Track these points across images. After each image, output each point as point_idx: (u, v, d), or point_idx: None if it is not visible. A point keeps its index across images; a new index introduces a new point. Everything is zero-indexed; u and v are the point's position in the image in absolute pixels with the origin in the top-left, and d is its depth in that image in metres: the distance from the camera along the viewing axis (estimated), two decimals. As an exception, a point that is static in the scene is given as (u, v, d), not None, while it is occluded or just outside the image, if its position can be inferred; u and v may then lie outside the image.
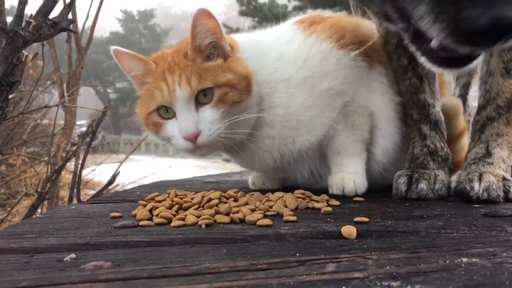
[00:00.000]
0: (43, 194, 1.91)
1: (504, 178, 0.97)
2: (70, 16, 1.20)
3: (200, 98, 0.97)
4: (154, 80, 1.00)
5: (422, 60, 0.76)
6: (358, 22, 1.18)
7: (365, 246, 0.62)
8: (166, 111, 1.00)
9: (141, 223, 0.78)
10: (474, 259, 0.54)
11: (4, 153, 2.65)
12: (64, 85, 3.49)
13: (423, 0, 0.61)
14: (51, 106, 2.34)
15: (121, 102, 29.95)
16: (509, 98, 1.04)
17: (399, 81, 1.16)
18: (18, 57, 1.08)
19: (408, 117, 1.15)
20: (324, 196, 0.98)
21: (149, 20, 33.17)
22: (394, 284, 0.46)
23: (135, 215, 0.84)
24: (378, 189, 1.14)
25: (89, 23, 3.93)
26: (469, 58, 0.72)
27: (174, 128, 0.99)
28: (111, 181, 1.99)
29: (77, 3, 1.49)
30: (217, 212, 0.81)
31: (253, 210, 0.84)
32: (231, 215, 0.80)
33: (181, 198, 0.89)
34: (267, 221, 0.76)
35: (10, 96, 1.13)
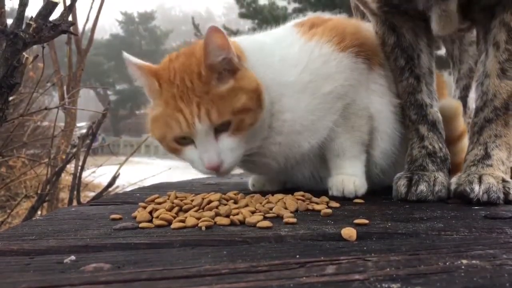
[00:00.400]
0: (43, 196, 1.91)
1: (503, 180, 0.97)
2: (70, 18, 1.20)
3: (218, 127, 0.96)
4: (166, 107, 0.97)
5: None
6: (358, 25, 1.18)
7: (365, 248, 0.62)
8: (183, 138, 0.99)
9: (141, 225, 0.78)
10: (474, 261, 0.54)
11: (4, 155, 2.65)
12: (64, 87, 3.50)
13: None
14: (51, 108, 2.34)
15: (121, 104, 30.01)
16: (506, 99, 1.04)
17: (396, 82, 1.17)
18: (18, 59, 1.08)
19: (406, 118, 1.16)
20: (324, 198, 0.98)
21: (149, 22, 33.21)
22: (394, 286, 0.46)
23: (135, 217, 0.84)
24: (378, 191, 1.14)
25: (89, 25, 3.95)
26: None
27: (193, 155, 0.99)
28: (111, 183, 1.99)
29: (77, 5, 1.49)
30: (217, 214, 0.81)
31: (253, 212, 0.84)
32: (231, 217, 0.80)
33: (181, 200, 0.89)
34: (267, 223, 0.76)
35: (10, 98, 1.13)
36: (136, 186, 1.89)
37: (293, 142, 1.05)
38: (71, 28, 1.18)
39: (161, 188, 1.35)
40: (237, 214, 0.81)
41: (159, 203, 0.90)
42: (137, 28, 33.06)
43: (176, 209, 0.85)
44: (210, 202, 0.86)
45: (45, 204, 2.32)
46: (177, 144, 1.00)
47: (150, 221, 0.81)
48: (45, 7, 1.11)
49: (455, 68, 1.70)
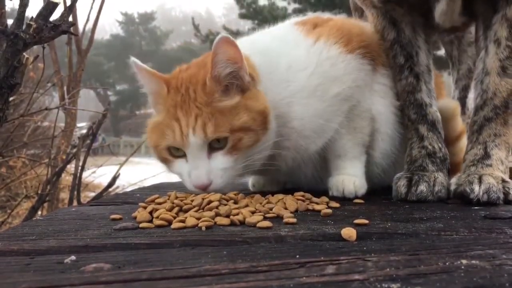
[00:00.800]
0: (43, 196, 1.91)
1: (503, 180, 0.98)
2: (70, 18, 1.20)
3: (213, 143, 0.93)
4: (166, 115, 0.95)
5: None
6: (362, 25, 1.18)
7: (365, 248, 0.62)
8: (176, 149, 0.96)
9: (141, 225, 0.78)
10: (473, 261, 0.54)
11: (4, 155, 2.65)
12: (65, 88, 3.50)
13: None
14: (51, 109, 2.35)
15: (121, 104, 30.01)
16: (505, 97, 1.04)
17: (395, 80, 1.16)
18: (18, 59, 1.09)
19: (405, 117, 1.15)
20: (324, 198, 0.98)
21: (150, 22, 33.23)
22: (394, 286, 0.46)
23: (135, 217, 0.84)
24: (378, 191, 1.14)
25: (89, 25, 3.95)
26: None
27: (183, 169, 0.96)
28: (111, 183, 1.99)
29: (77, 5, 1.49)
30: (217, 214, 0.81)
31: (253, 212, 0.84)
32: (231, 217, 0.80)
33: (181, 200, 0.89)
34: (267, 223, 0.76)
35: (11, 99, 1.14)
36: (136, 186, 1.89)
37: (300, 146, 1.04)
38: (72, 28, 1.18)
39: (161, 188, 1.35)
40: (237, 214, 0.82)
41: (159, 203, 0.90)
42: (137, 29, 33.08)
43: (176, 209, 0.85)
44: (210, 202, 0.86)
45: (45, 204, 2.32)
46: (169, 155, 0.97)
47: (150, 221, 0.81)
48: (46, 7, 1.11)
49: (454, 69, 1.70)
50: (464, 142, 1.21)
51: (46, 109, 2.39)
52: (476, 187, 0.95)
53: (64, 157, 2.66)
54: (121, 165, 2.15)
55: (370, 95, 1.10)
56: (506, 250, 0.59)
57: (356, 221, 0.77)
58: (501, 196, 0.95)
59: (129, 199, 1.16)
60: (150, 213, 0.85)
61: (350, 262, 0.55)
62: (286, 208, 0.88)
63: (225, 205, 0.86)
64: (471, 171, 1.01)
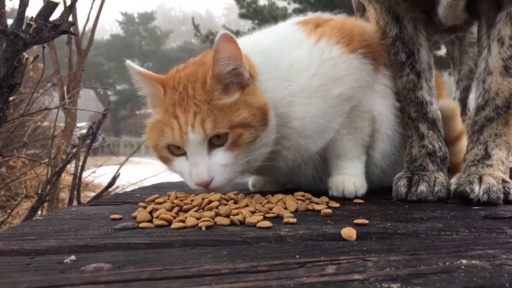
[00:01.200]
0: (43, 196, 1.91)
1: (503, 180, 0.97)
2: (70, 18, 1.20)
3: (213, 140, 0.92)
4: (164, 114, 0.95)
5: None
6: (363, 25, 1.18)
7: (365, 248, 0.62)
8: (176, 148, 0.95)
9: (141, 225, 0.78)
10: (474, 261, 0.54)
11: (4, 155, 2.65)
12: (65, 87, 3.50)
13: None
14: (51, 108, 2.35)
15: (121, 104, 29.98)
16: (507, 97, 1.03)
17: (396, 77, 1.16)
18: (18, 59, 1.09)
19: (405, 115, 1.15)
20: (324, 198, 0.98)
21: (150, 22, 33.21)
22: (394, 286, 0.46)
23: (135, 217, 0.84)
24: (378, 191, 1.14)
25: (89, 25, 3.95)
26: None
27: (183, 167, 0.96)
28: (111, 183, 1.99)
29: (77, 5, 1.49)
30: (217, 214, 0.81)
31: (253, 212, 0.84)
32: (231, 217, 0.80)
33: (181, 200, 0.89)
34: (267, 223, 0.76)
35: (11, 98, 1.14)
36: (136, 186, 1.89)
37: (301, 146, 1.04)
38: (71, 28, 1.18)
39: (161, 188, 1.35)
40: (237, 214, 0.82)
41: (159, 203, 0.90)
42: (137, 29, 33.07)
43: (176, 209, 0.85)
44: (210, 202, 0.86)
45: (45, 204, 2.32)
46: (169, 154, 0.97)
47: (150, 221, 0.81)
48: (46, 7, 1.11)
49: (456, 69, 1.70)
50: (464, 142, 1.21)
51: (46, 109, 2.39)
52: (476, 187, 0.95)
53: (64, 157, 2.66)
54: (121, 165, 2.15)
55: (371, 96, 1.10)
56: (506, 250, 0.59)
57: (356, 221, 0.77)
58: (501, 196, 0.95)
59: (129, 199, 1.16)
60: (150, 213, 0.85)
61: (350, 262, 0.55)
62: (286, 208, 0.88)
63: (225, 205, 0.86)
64: (472, 171, 1.01)
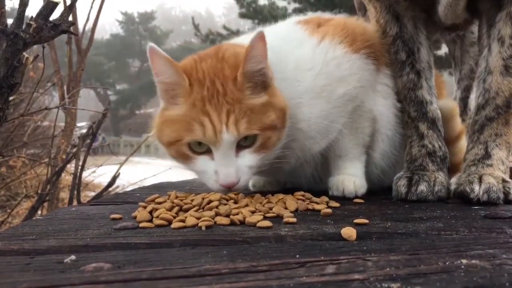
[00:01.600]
0: (43, 196, 1.91)
1: (504, 180, 0.97)
2: (70, 18, 1.20)
3: (240, 141, 0.90)
4: (190, 108, 0.90)
5: None
6: (364, 25, 1.17)
7: (365, 247, 0.62)
8: (198, 145, 0.91)
9: (141, 224, 0.78)
10: (474, 261, 0.54)
11: (4, 155, 2.65)
12: (65, 87, 3.50)
13: None
14: (51, 108, 2.35)
15: (121, 104, 29.99)
16: (508, 97, 1.03)
17: (396, 77, 1.16)
18: (18, 59, 1.09)
19: (405, 114, 1.15)
20: (324, 198, 0.98)
21: (150, 22, 33.18)
22: (394, 285, 0.46)
23: (135, 217, 0.84)
24: (378, 191, 1.14)
25: (89, 25, 3.95)
26: None
27: (207, 166, 0.92)
28: (111, 183, 1.99)
29: (77, 5, 1.49)
30: (217, 214, 0.81)
31: (253, 212, 0.84)
32: (231, 216, 0.80)
33: (181, 200, 0.89)
34: (267, 223, 0.76)
35: (11, 98, 1.14)
36: (136, 186, 1.89)
37: (305, 146, 1.04)
38: (71, 28, 1.18)
39: (161, 188, 1.35)
40: (237, 214, 0.82)
41: (159, 203, 0.90)
42: (137, 28, 33.04)
43: (176, 209, 0.85)
44: (210, 202, 0.86)
45: (45, 204, 2.32)
46: (190, 151, 0.92)
47: (150, 221, 0.81)
48: (45, 7, 1.11)
49: (457, 69, 1.70)
50: (463, 142, 1.21)
51: (46, 108, 2.39)
52: (476, 187, 0.95)
53: (64, 156, 2.66)
54: (121, 164, 2.14)
55: (373, 96, 1.10)
56: (506, 250, 0.59)
57: (356, 220, 0.77)
58: (501, 196, 0.95)
59: (129, 198, 1.16)
60: (150, 212, 0.85)
61: (350, 261, 0.55)
62: (286, 208, 0.88)
63: (225, 204, 0.86)
64: (472, 171, 1.01)
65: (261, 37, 0.88)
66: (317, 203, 0.94)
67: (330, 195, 1.04)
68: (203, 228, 0.75)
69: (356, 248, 0.62)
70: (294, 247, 0.64)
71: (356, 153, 1.10)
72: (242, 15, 9.45)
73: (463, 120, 1.41)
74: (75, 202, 1.83)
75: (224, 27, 9.94)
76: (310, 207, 0.91)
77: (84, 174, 2.36)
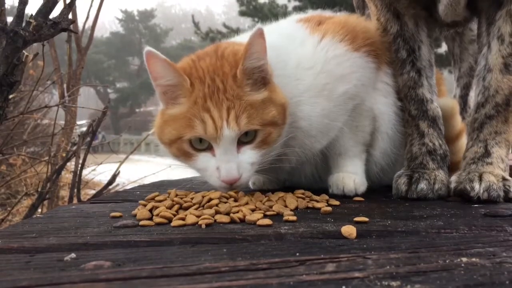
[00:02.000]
0: (43, 194, 1.91)
1: (504, 178, 0.97)
2: (70, 16, 1.20)
3: (241, 137, 0.90)
4: (192, 106, 0.90)
5: None
6: (365, 23, 1.17)
7: (365, 245, 0.62)
8: (199, 142, 0.92)
9: (141, 222, 0.78)
10: (474, 259, 0.54)
11: (4, 153, 2.65)
12: (64, 85, 3.49)
13: None
14: (51, 106, 2.34)
15: (121, 102, 29.98)
16: (507, 95, 1.03)
17: (397, 75, 1.15)
18: (18, 57, 1.08)
19: (405, 113, 1.15)
20: (324, 196, 0.98)
21: (149, 20, 33.14)
22: (394, 283, 0.46)
23: (135, 215, 0.84)
24: (378, 189, 1.14)
25: (89, 23, 3.94)
26: None
27: (208, 163, 0.92)
28: (111, 181, 1.98)
29: (77, 3, 1.49)
30: (217, 212, 0.81)
31: (253, 210, 0.84)
32: (231, 215, 0.80)
33: (181, 198, 0.90)
34: (267, 221, 0.76)
35: (11, 96, 1.13)
36: (136, 184, 1.89)
37: (305, 145, 1.04)
38: (71, 26, 1.18)
39: (161, 186, 1.35)
40: (237, 212, 0.82)
41: (159, 201, 0.90)
42: (137, 26, 33.00)
43: (176, 207, 0.85)
44: (210, 200, 0.86)
45: (45, 202, 2.32)
46: (191, 148, 0.93)
47: (150, 219, 0.81)
48: (45, 5, 1.11)
49: (456, 67, 1.70)
50: (463, 141, 1.21)
51: (46, 106, 2.39)
52: (476, 185, 0.96)
53: (64, 154, 2.66)
54: (121, 162, 2.14)
55: (373, 94, 1.10)
56: (506, 248, 0.59)
57: (356, 219, 0.77)
58: (502, 194, 0.95)
59: (129, 196, 1.16)
60: (150, 210, 0.85)
61: (350, 260, 0.55)
62: (286, 206, 0.89)
63: (225, 202, 0.86)
64: (472, 169, 1.01)
65: (260, 34, 0.88)
66: (317, 201, 0.94)
67: (330, 193, 1.04)
68: (203, 226, 0.75)
69: (356, 246, 0.62)
70: (294, 245, 0.64)
71: (356, 151, 1.10)
72: (242, 13, 9.43)
73: (463, 118, 1.41)
74: (75, 200, 1.83)
75: (224, 25, 9.93)
76: (310, 205, 0.92)
77: (84, 172, 2.36)
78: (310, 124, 1.01)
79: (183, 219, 0.78)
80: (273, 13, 8.16)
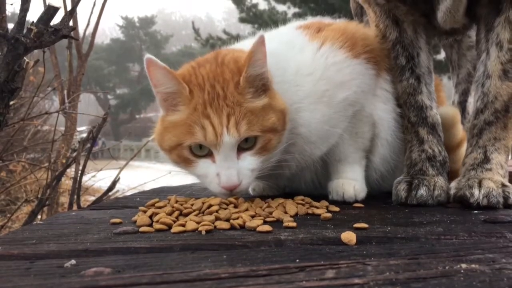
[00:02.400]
0: (43, 200, 1.91)
1: (503, 185, 0.98)
2: (71, 23, 1.20)
3: (241, 144, 0.91)
4: (192, 112, 0.90)
5: None
6: (364, 30, 1.18)
7: (364, 252, 0.62)
8: (199, 149, 0.92)
9: (141, 229, 0.79)
10: (473, 265, 0.54)
11: (4, 159, 2.65)
12: (65, 92, 3.50)
13: None
14: (51, 113, 2.35)
15: (121, 108, 30.00)
16: (506, 101, 1.03)
17: (396, 81, 1.16)
18: (19, 63, 1.09)
19: (405, 119, 1.15)
20: (324, 202, 0.98)
21: (150, 26, 33.24)
22: (393, 290, 0.46)
23: (135, 221, 0.84)
24: (378, 196, 1.14)
25: (90, 29, 3.96)
26: None
27: (208, 169, 0.92)
28: (111, 187, 1.98)
29: (78, 10, 1.50)
30: (217, 218, 0.81)
31: (253, 216, 0.84)
32: (231, 221, 0.80)
33: (181, 204, 0.90)
34: (267, 227, 0.76)
35: (11, 103, 1.14)
36: (136, 191, 1.89)
37: (305, 151, 1.04)
38: (72, 32, 1.18)
39: (161, 192, 1.35)
40: (237, 218, 0.82)
41: (159, 207, 0.90)
42: (138, 33, 33.10)
43: (176, 213, 0.86)
44: (210, 206, 0.86)
45: (45, 209, 2.32)
46: (191, 155, 0.93)
47: (150, 225, 0.81)
48: (46, 12, 1.12)
49: (454, 73, 1.71)
50: (464, 149, 1.21)
51: (46, 113, 2.39)
52: (476, 191, 0.96)
53: (64, 161, 2.66)
54: (121, 169, 2.14)
55: (373, 100, 1.10)
56: (506, 254, 0.59)
57: (356, 225, 0.77)
58: (501, 200, 0.95)
59: (129, 203, 1.16)
60: (150, 217, 0.85)
61: (349, 266, 0.55)
62: (286, 212, 0.89)
63: (225, 209, 0.86)
64: (471, 175, 1.01)
65: (262, 42, 0.89)
66: (317, 207, 0.94)
67: (330, 200, 1.04)
68: (203, 232, 0.75)
69: (356, 252, 0.62)
70: (294, 251, 0.64)
71: (356, 157, 1.10)
72: (242, 20, 9.46)
73: (461, 124, 1.41)
74: (75, 207, 1.83)
75: (224, 32, 9.96)
76: (310, 211, 0.92)
77: (84, 178, 2.36)
78: (310, 130, 1.02)
79: (183, 225, 0.78)
80: (273, 20, 8.19)
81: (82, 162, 1.94)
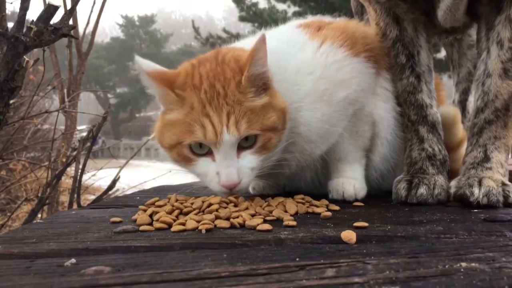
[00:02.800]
0: (43, 199, 1.91)
1: (503, 183, 0.98)
2: (71, 22, 1.20)
3: (241, 142, 0.91)
4: (189, 111, 0.90)
5: None
6: (364, 28, 1.18)
7: (364, 251, 0.62)
8: (199, 147, 0.92)
9: (141, 228, 0.79)
10: (473, 264, 0.54)
11: (4, 158, 2.65)
12: (65, 90, 3.50)
13: None
14: (51, 111, 2.34)
15: (121, 107, 30.00)
16: (506, 100, 1.03)
17: (396, 80, 1.16)
18: (19, 62, 1.09)
19: (404, 118, 1.15)
20: (324, 201, 0.98)
21: (150, 25, 33.21)
22: (393, 288, 0.46)
23: (135, 220, 0.84)
24: (378, 194, 1.14)
25: (90, 28, 3.95)
26: None
27: (208, 168, 0.92)
28: (111, 186, 1.98)
29: (78, 8, 1.49)
30: (217, 217, 0.81)
31: (253, 215, 0.84)
32: (231, 220, 0.80)
33: (182, 203, 0.90)
34: (267, 226, 0.76)
35: (11, 101, 1.14)
36: (136, 189, 1.89)
37: (305, 150, 1.04)
38: (72, 31, 1.18)
39: (161, 191, 1.35)
40: (237, 217, 0.82)
41: (160, 206, 0.90)
42: (138, 32, 33.07)
43: (176, 212, 0.86)
44: (210, 205, 0.86)
45: (45, 207, 2.32)
46: (191, 153, 0.93)
47: (150, 224, 0.81)
48: (46, 10, 1.11)
49: (455, 72, 1.71)
50: (465, 148, 1.21)
51: (46, 112, 2.39)
52: (476, 190, 0.96)
53: (64, 160, 2.66)
54: (121, 168, 2.14)
55: (372, 99, 1.10)
56: (506, 253, 0.60)
57: (356, 224, 0.77)
58: (501, 199, 0.95)
59: (129, 202, 1.16)
60: (150, 216, 0.85)
61: (349, 265, 0.55)
62: (286, 211, 0.89)
63: (225, 208, 0.86)
64: (471, 174, 1.01)
65: (263, 41, 0.89)
66: (317, 206, 0.94)
67: (330, 199, 1.05)
68: (203, 231, 0.75)
69: (356, 251, 0.62)
70: (294, 250, 0.64)
71: (356, 156, 1.10)
72: (242, 19, 9.45)
73: (462, 123, 1.41)
74: (75, 206, 1.83)
75: (224, 30, 9.95)
76: (310, 210, 0.92)
77: (84, 177, 2.36)
78: (310, 129, 1.02)
79: (183, 224, 0.78)
80: (273, 19, 8.18)
81: (82, 161, 1.94)
